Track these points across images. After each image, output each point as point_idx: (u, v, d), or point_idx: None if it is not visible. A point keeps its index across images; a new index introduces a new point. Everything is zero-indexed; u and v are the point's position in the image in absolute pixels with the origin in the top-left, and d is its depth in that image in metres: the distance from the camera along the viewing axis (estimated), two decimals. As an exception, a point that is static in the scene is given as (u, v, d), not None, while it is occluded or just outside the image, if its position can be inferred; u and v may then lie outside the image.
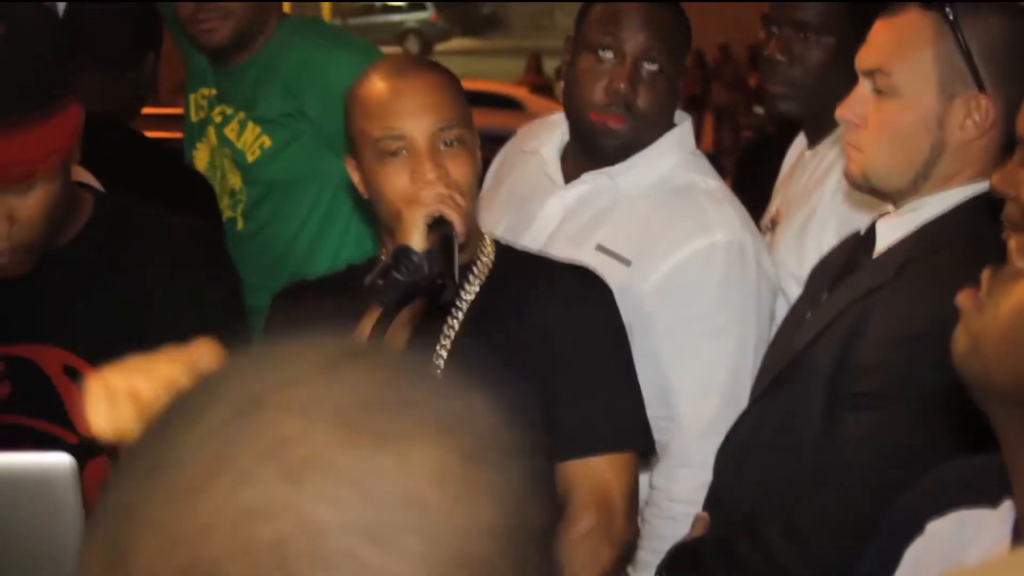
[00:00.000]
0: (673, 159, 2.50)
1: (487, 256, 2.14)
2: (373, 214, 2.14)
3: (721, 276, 2.37)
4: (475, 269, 2.12)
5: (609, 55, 2.43)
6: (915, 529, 1.35)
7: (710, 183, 2.49)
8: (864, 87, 2.00)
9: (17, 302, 1.96)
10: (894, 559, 1.36)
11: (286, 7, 5.32)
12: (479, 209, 2.23)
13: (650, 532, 2.32)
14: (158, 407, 0.72)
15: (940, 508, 1.34)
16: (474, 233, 2.09)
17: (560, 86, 2.82)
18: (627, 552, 2.14)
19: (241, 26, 2.94)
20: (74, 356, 1.96)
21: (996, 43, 1.95)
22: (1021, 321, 1.17)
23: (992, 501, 1.28)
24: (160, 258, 2.02)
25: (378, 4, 31.51)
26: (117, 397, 1.22)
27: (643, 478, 2.30)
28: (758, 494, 2.02)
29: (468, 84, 2.20)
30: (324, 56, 2.93)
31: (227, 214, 3.05)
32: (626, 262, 2.40)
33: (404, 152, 1.99)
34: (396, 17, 31.04)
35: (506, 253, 2.17)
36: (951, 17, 1.94)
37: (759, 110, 9.55)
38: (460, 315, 2.09)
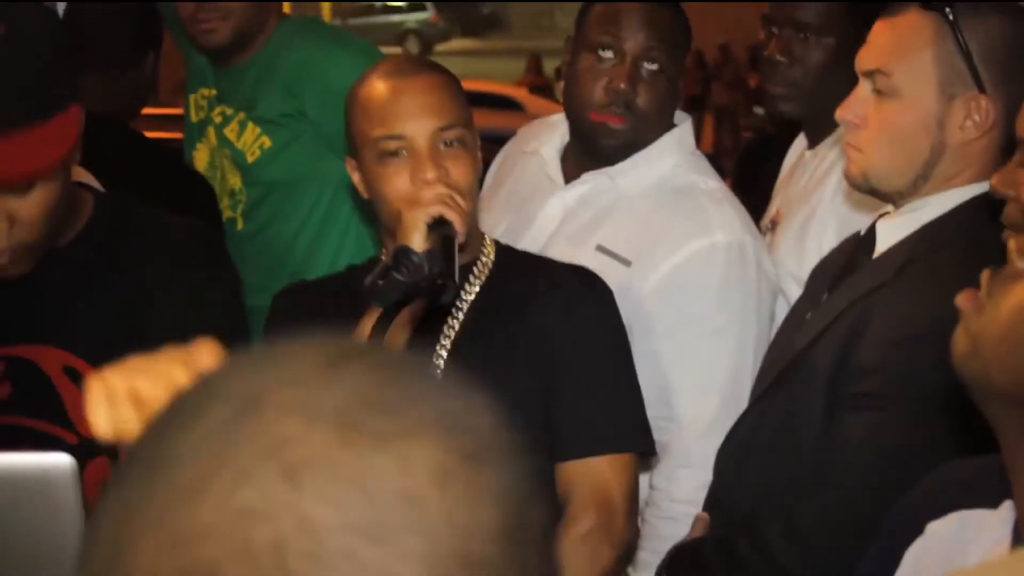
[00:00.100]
0: (673, 159, 2.50)
1: (487, 257, 2.14)
2: (373, 214, 2.14)
3: (721, 276, 2.37)
4: (475, 270, 2.12)
5: (609, 54, 2.43)
6: (915, 530, 1.35)
7: (710, 183, 2.49)
8: (864, 88, 2.00)
9: (17, 302, 1.95)
10: (894, 560, 1.36)
11: (286, 7, 5.32)
12: (479, 209, 2.23)
13: (650, 532, 2.32)
14: (159, 408, 0.72)
15: (940, 509, 1.34)
16: (474, 234, 2.09)
17: (560, 86, 2.82)
18: (627, 553, 2.14)
19: (241, 26, 2.94)
20: (74, 356, 1.96)
21: (996, 44, 1.95)
22: (1020, 322, 1.17)
23: (992, 502, 1.28)
24: (160, 258, 2.02)
25: (378, 4, 31.52)
26: (118, 398, 1.22)
27: (643, 478, 2.30)
28: (758, 494, 2.02)
29: (467, 84, 2.20)
30: (324, 56, 2.93)
31: (227, 214, 3.05)
32: (626, 262, 2.40)
33: (404, 153, 1.99)
34: (396, 17, 31.06)
35: (506, 254, 2.17)
36: (951, 18, 1.94)
37: (759, 111, 9.54)
38: (460, 315, 2.09)
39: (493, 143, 2.12)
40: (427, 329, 2.02)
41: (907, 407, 1.85)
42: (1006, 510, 1.25)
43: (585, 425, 2.08)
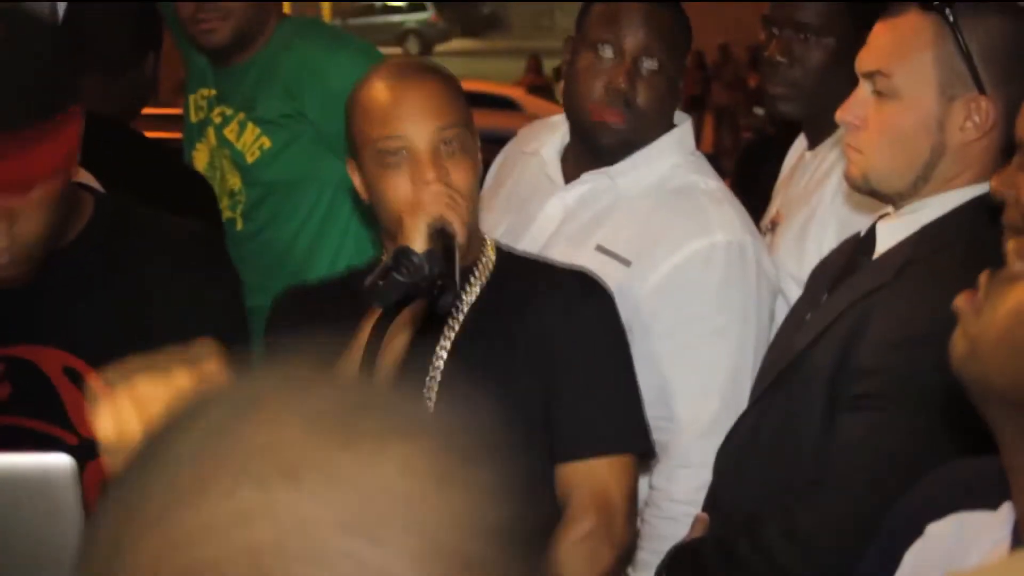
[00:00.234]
0: (673, 159, 2.50)
1: (488, 259, 2.14)
2: (373, 216, 2.15)
3: (721, 277, 2.37)
4: (476, 271, 2.12)
5: (608, 52, 2.43)
6: (915, 531, 1.35)
7: (710, 183, 2.49)
8: (864, 89, 2.00)
9: (17, 303, 1.95)
10: (894, 561, 1.36)
11: (286, 7, 5.32)
12: (479, 210, 2.23)
13: (650, 532, 2.33)
14: (161, 410, 0.72)
15: (940, 510, 1.34)
16: (475, 236, 2.09)
17: (559, 87, 2.82)
18: (627, 554, 2.15)
19: (241, 26, 2.94)
20: (74, 357, 1.96)
21: (996, 45, 1.95)
22: (1018, 324, 1.17)
23: (992, 504, 1.28)
24: (160, 259, 2.01)
25: (378, 4, 31.51)
26: (120, 401, 1.22)
27: (643, 479, 2.30)
28: (758, 495, 2.02)
29: (464, 84, 2.20)
30: (324, 57, 2.93)
31: (226, 215, 3.05)
32: (626, 262, 2.40)
33: (405, 155, 1.99)
34: (396, 18, 31.05)
35: (507, 256, 2.18)
36: (951, 19, 1.94)
37: (759, 111, 9.55)
38: (460, 316, 2.09)
39: (490, 143, 2.13)
40: (427, 330, 2.02)
41: (907, 408, 1.85)
42: (1006, 511, 1.25)
43: (585, 426, 2.08)
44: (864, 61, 2.01)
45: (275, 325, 2.16)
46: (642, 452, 2.18)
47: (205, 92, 3.10)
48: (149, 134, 3.20)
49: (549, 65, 17.28)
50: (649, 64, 2.42)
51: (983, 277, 1.22)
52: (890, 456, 1.84)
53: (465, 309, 2.10)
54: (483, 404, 0.73)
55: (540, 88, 14.94)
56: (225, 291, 2.10)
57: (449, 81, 2.07)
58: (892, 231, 2.01)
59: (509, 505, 0.68)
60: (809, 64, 2.68)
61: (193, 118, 3.13)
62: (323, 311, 2.13)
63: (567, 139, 2.59)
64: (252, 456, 0.65)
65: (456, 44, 30.89)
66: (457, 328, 2.08)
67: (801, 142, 2.83)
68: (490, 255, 2.15)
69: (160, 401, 1.24)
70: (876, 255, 2.02)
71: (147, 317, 1.97)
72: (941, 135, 1.96)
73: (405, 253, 1.79)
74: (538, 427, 2.07)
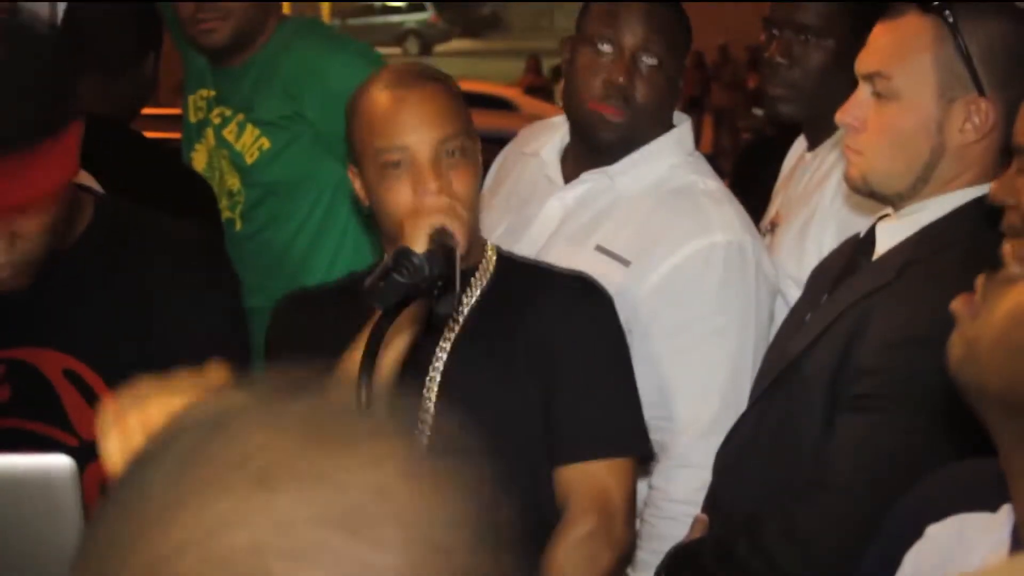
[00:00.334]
0: (672, 159, 2.50)
1: (488, 263, 2.15)
2: (373, 219, 2.15)
3: (720, 277, 2.37)
4: (476, 275, 2.12)
5: (608, 48, 2.43)
6: (915, 533, 1.35)
7: (709, 183, 2.49)
8: (864, 91, 2.00)
9: (17, 306, 1.95)
10: (894, 563, 1.36)
11: (285, 7, 5.32)
12: (480, 212, 2.24)
13: (649, 532, 2.33)
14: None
15: (940, 512, 1.34)
16: (476, 240, 2.09)
17: (559, 87, 2.82)
18: (626, 556, 2.15)
19: (241, 26, 2.94)
20: (74, 359, 1.96)
21: (996, 46, 1.95)
22: (1015, 326, 1.17)
23: (992, 505, 1.28)
24: (160, 260, 2.02)
25: (377, 5, 31.49)
26: (130, 426, 1.23)
27: (642, 480, 2.30)
28: (758, 495, 2.02)
29: (461, 85, 2.20)
30: (324, 59, 2.93)
31: (225, 215, 3.05)
32: (625, 262, 2.40)
33: (406, 165, 1.99)
34: (395, 18, 31.03)
35: (507, 260, 2.18)
36: (951, 21, 1.94)
37: (758, 112, 9.55)
38: (461, 319, 2.09)
39: (486, 143, 2.13)
40: (428, 332, 2.02)
41: (907, 408, 1.85)
42: (1005, 514, 1.25)
43: (584, 429, 2.08)
44: (864, 63, 2.01)
45: (277, 331, 2.16)
46: (641, 455, 2.18)
47: (204, 93, 3.10)
48: (148, 134, 3.20)
49: (548, 65, 17.29)
50: (648, 60, 2.43)
51: (980, 280, 1.22)
52: (890, 456, 1.84)
53: (465, 311, 2.10)
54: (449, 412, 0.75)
55: (539, 89, 14.94)
56: (225, 292, 2.10)
57: (449, 88, 2.07)
58: (892, 232, 2.02)
59: (480, 500, 0.69)
60: (809, 65, 2.68)
61: (192, 119, 3.13)
62: (324, 316, 2.13)
63: (567, 140, 2.59)
64: (222, 470, 0.66)
65: (456, 44, 30.88)
66: (457, 330, 2.09)
67: (801, 143, 2.83)
68: (490, 259, 2.16)
69: None
70: (876, 256, 2.03)
71: (147, 319, 1.97)
72: (940, 137, 1.96)
73: (405, 254, 1.79)
74: (537, 429, 2.08)
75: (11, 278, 1.90)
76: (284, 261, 3.00)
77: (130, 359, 1.95)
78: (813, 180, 2.65)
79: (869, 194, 2.06)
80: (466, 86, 2.67)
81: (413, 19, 31.02)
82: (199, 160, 3.10)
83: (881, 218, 2.07)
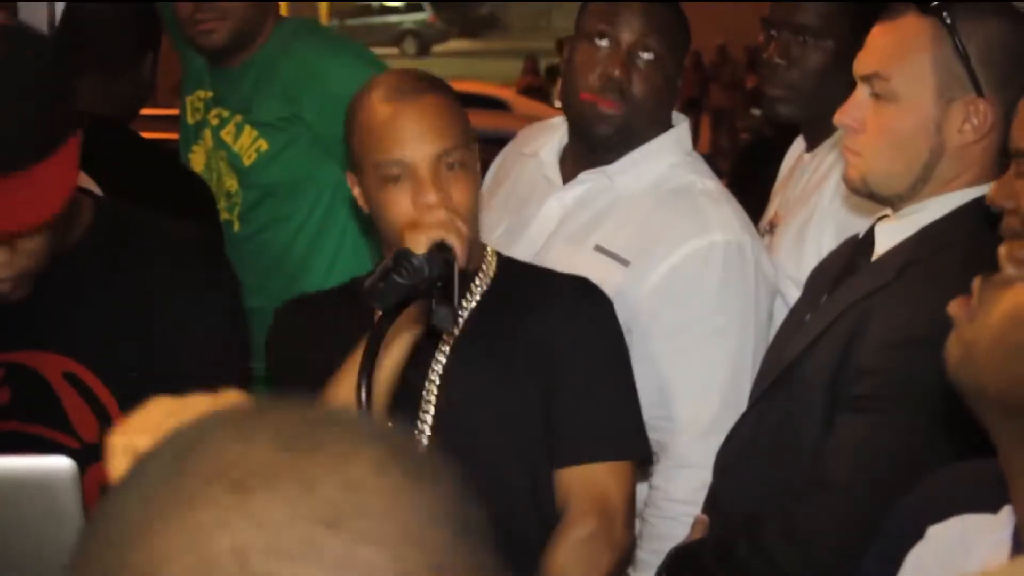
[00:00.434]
0: (670, 159, 2.50)
1: (488, 266, 2.15)
2: (372, 221, 2.15)
3: (720, 277, 2.37)
4: (477, 279, 2.12)
5: (605, 43, 2.43)
6: (916, 533, 1.35)
7: (708, 183, 2.49)
8: (862, 92, 2.00)
9: (16, 309, 1.95)
10: (895, 564, 1.36)
11: (283, 8, 5.32)
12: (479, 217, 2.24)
13: (650, 532, 2.33)
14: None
15: (941, 513, 1.34)
16: (476, 245, 2.09)
17: (557, 89, 2.82)
18: (626, 558, 2.15)
19: (239, 27, 2.93)
20: (74, 362, 1.96)
21: (994, 47, 1.95)
22: (1012, 328, 1.17)
23: (993, 506, 1.28)
24: (159, 261, 2.01)
25: (375, 5, 31.49)
26: (140, 443, 1.23)
27: (642, 482, 2.30)
28: (758, 495, 2.02)
29: (455, 85, 2.20)
30: (323, 62, 2.93)
31: (223, 216, 3.05)
32: (625, 262, 2.40)
33: (406, 177, 1.99)
34: (393, 18, 31.02)
35: (507, 264, 2.18)
36: (948, 21, 1.94)
37: (756, 112, 9.56)
38: (461, 323, 2.09)
39: (480, 143, 2.12)
40: (428, 335, 2.02)
41: (906, 409, 1.85)
42: (1006, 514, 1.25)
43: (584, 431, 2.08)
44: (862, 64, 2.01)
45: (278, 334, 2.16)
46: (640, 458, 2.18)
47: (202, 94, 3.10)
48: (147, 135, 3.20)
49: (545, 65, 17.28)
50: (645, 56, 2.43)
51: (976, 283, 1.23)
52: (890, 456, 1.84)
53: (465, 314, 2.10)
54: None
55: (536, 89, 14.93)
56: (224, 292, 2.10)
57: (448, 98, 2.06)
58: (891, 233, 2.02)
59: (451, 498, 0.70)
60: (808, 66, 2.68)
61: (190, 120, 3.13)
62: (325, 319, 2.13)
63: (565, 141, 2.59)
64: (198, 483, 0.67)
65: (453, 44, 30.88)
66: (457, 333, 2.09)
67: (799, 144, 2.83)
68: (490, 262, 2.16)
69: None
70: (875, 256, 2.03)
71: (146, 319, 1.97)
72: (939, 137, 1.96)
73: (405, 255, 1.80)
74: (537, 429, 2.08)
75: (12, 291, 1.90)
76: (283, 262, 2.99)
77: (130, 360, 1.95)
78: (812, 181, 2.66)
79: (868, 195, 2.06)
80: (460, 86, 2.67)
81: (411, 19, 31.01)
82: (197, 161, 3.10)
83: (880, 219, 2.07)
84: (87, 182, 2.22)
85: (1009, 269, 1.21)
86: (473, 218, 2.03)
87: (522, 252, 2.40)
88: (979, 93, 1.95)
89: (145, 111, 3.24)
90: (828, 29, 2.67)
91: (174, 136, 3.27)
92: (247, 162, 2.99)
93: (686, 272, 2.37)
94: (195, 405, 1.20)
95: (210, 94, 3.07)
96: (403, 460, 0.70)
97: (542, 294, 2.14)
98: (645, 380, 2.21)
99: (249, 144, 2.99)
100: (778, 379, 2.04)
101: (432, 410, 2.06)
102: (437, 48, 29.95)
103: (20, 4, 3.24)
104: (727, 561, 1.97)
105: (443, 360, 2.08)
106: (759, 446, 2.05)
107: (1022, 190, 1.75)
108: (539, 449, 2.08)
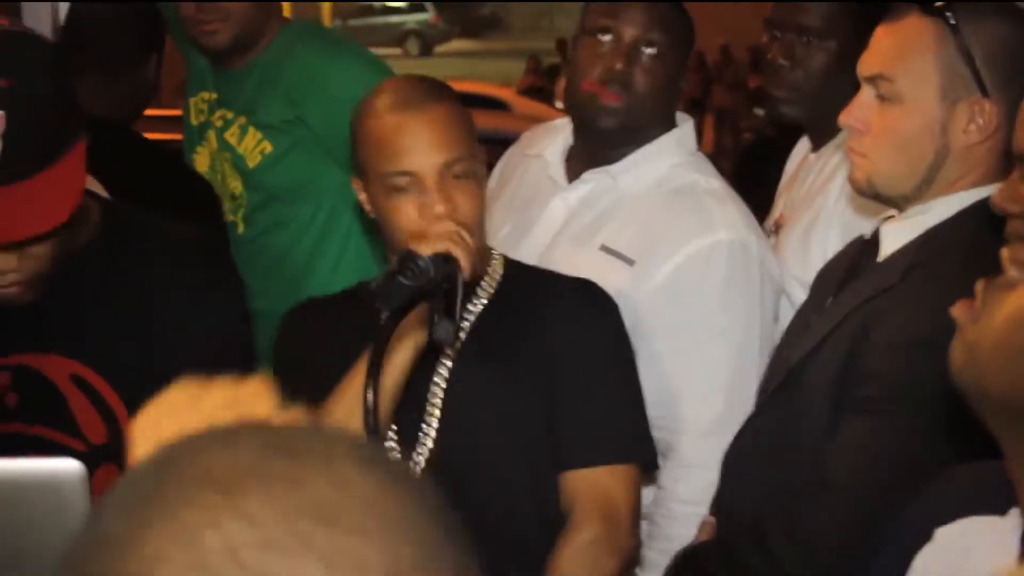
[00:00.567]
0: (673, 159, 2.50)
1: (494, 270, 2.15)
2: (376, 225, 2.15)
3: (724, 276, 2.37)
4: (483, 283, 2.12)
5: (608, 38, 2.44)
6: (924, 536, 1.35)
7: (712, 182, 2.49)
8: (867, 93, 2.00)
9: (23, 312, 1.95)
10: (903, 566, 1.36)
11: (285, 8, 5.32)
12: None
13: (657, 532, 2.33)
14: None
15: (949, 515, 1.34)
16: (482, 250, 2.09)
17: (559, 86, 2.83)
18: (630, 562, 2.15)
19: (242, 28, 2.93)
20: (80, 364, 1.96)
21: (998, 47, 1.95)
22: (1015, 330, 1.17)
23: (1001, 508, 1.28)
24: (160, 260, 2.01)
25: (378, 5, 31.46)
26: (163, 435, 1.23)
27: (650, 485, 2.30)
28: (763, 498, 2.02)
29: (455, 85, 2.20)
30: (326, 65, 2.93)
31: (227, 218, 3.05)
32: (630, 262, 2.40)
33: (412, 188, 1.99)
34: (396, 18, 30.99)
35: (513, 268, 2.19)
36: (952, 22, 1.94)
37: (759, 112, 9.55)
38: (466, 326, 2.09)
39: (480, 144, 2.12)
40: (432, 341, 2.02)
41: (911, 411, 1.85)
42: (1014, 517, 1.25)
43: (589, 435, 2.08)
44: (866, 65, 2.01)
45: (285, 340, 2.16)
46: (645, 461, 2.18)
47: (206, 95, 3.10)
48: (150, 135, 3.20)
49: (546, 64, 17.25)
50: (648, 51, 2.43)
51: (979, 285, 1.23)
52: (890, 457, 1.84)
53: (471, 319, 2.11)
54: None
55: (537, 90, 14.91)
56: (226, 293, 2.10)
57: (454, 106, 2.06)
58: (897, 234, 2.02)
59: (431, 497, 0.72)
60: (811, 67, 2.68)
61: (193, 121, 3.13)
62: (331, 325, 2.13)
63: (570, 141, 2.59)
64: (185, 487, 0.68)
65: (456, 45, 30.85)
66: (463, 338, 2.09)
67: (805, 144, 2.83)
68: (496, 266, 2.16)
69: None
70: (881, 258, 2.03)
71: (147, 320, 1.97)
72: (944, 138, 1.96)
73: (411, 257, 1.80)
74: (539, 430, 2.08)
75: (20, 294, 1.90)
76: (287, 264, 3.00)
77: (131, 361, 1.95)
78: (817, 182, 2.65)
79: (874, 196, 2.06)
80: (460, 86, 2.67)
81: (413, 20, 30.98)
82: (201, 163, 3.10)
83: (886, 220, 2.07)
84: (93, 184, 2.22)
85: (1012, 272, 1.21)
86: (479, 227, 2.04)
87: (527, 252, 2.40)
88: (984, 93, 1.95)
89: (148, 112, 3.24)
90: (831, 30, 2.67)
91: (178, 137, 3.27)
92: (251, 164, 2.99)
93: (690, 271, 2.37)
94: (218, 390, 1.20)
95: (214, 95, 3.07)
96: (383, 463, 0.71)
97: (545, 297, 2.14)
98: (650, 379, 2.21)
99: (254, 146, 2.99)
100: (784, 381, 2.04)
101: (437, 413, 2.06)
102: (439, 48, 29.92)
103: (23, 5, 3.25)
104: (732, 563, 1.97)
105: (448, 363, 2.08)
106: (764, 448, 2.05)
107: (1026, 193, 1.75)
108: (540, 450, 2.08)
